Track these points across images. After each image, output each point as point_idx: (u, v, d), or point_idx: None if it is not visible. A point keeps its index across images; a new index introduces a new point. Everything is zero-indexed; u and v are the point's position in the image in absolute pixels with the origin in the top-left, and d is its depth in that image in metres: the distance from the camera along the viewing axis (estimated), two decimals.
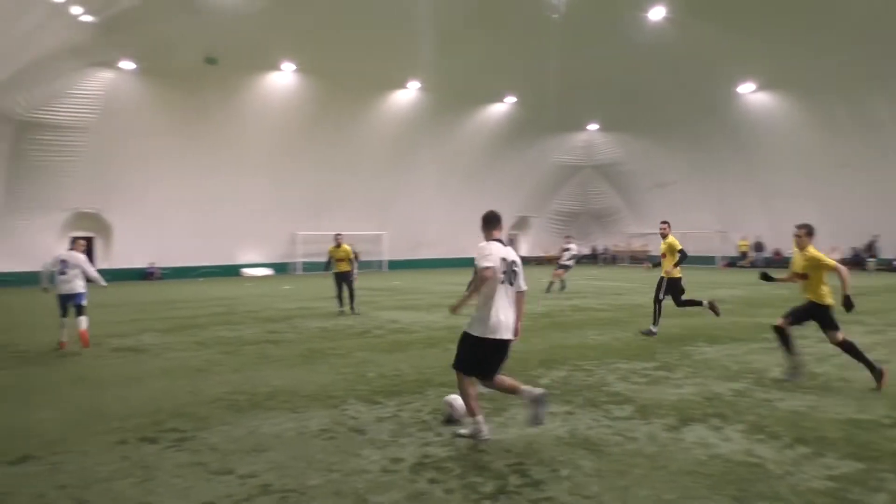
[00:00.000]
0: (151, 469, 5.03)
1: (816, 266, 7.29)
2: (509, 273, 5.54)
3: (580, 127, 40.86)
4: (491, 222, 5.71)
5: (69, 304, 10.62)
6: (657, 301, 10.92)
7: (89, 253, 31.41)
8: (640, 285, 22.64)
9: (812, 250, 7.41)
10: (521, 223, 45.12)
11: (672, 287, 10.89)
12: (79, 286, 10.68)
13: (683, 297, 11.04)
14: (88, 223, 30.43)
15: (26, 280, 26.77)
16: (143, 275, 31.71)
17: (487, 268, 5.40)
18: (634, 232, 43.24)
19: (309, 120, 32.70)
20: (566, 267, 20.45)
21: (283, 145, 32.93)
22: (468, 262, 41.55)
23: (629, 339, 10.55)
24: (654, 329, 10.87)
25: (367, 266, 38.31)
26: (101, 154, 28.37)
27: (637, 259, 42.43)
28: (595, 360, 8.81)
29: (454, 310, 5.65)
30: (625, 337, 10.81)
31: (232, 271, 34.10)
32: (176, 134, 29.98)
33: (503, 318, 5.47)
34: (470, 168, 39.78)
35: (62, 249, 11.47)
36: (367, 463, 5.12)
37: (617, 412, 6.37)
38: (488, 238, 5.65)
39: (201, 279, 31.92)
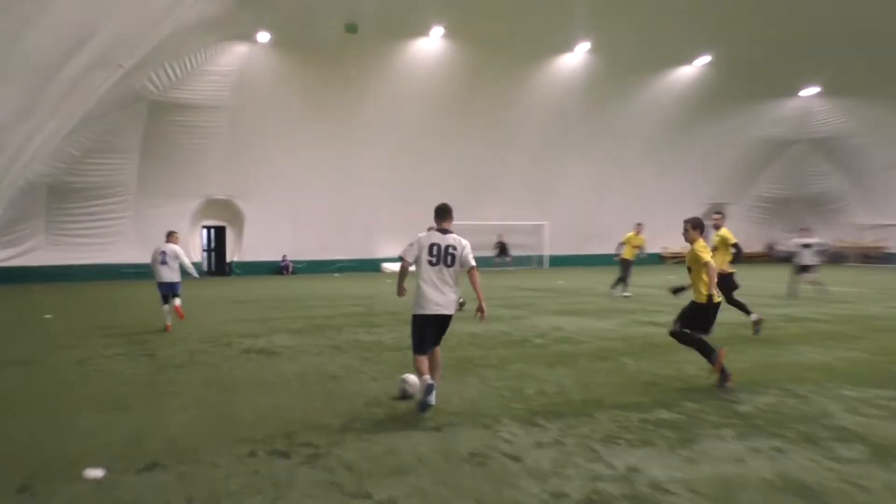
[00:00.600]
0: (283, 486, 5.27)
1: (695, 261, 8.25)
2: (441, 256, 7.37)
3: (792, 92, 38.46)
4: (438, 214, 7.65)
5: (168, 292, 13.67)
6: (731, 302, 12.30)
7: (221, 244, 34.03)
8: (871, 290, 20.92)
9: (698, 245, 8.28)
10: (713, 213, 43.07)
11: (724, 284, 11.66)
12: (176, 276, 13.66)
13: (735, 296, 12.41)
14: (220, 211, 32.87)
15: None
16: (276, 269, 33.74)
17: (402, 259, 7.41)
18: (866, 223, 40.00)
19: (458, 93, 33.21)
20: (807, 267, 19.29)
21: (429, 123, 33.72)
22: (649, 259, 40.60)
23: (859, 359, 9.74)
24: (753, 317, 12.29)
25: (526, 262, 38.40)
26: (234, 135, 30.51)
27: (870, 258, 39.22)
28: (812, 385, 8.22)
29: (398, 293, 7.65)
30: (853, 356, 10.00)
31: (370, 266, 35.43)
32: (312, 112, 31.59)
33: (431, 295, 7.31)
34: (648, 146, 38.77)
35: (161, 242, 13.89)
36: (525, 496, 5.06)
37: (843, 452, 5.88)
38: (437, 228, 7.57)
39: (337, 274, 33.47)
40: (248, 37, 28.56)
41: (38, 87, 8.36)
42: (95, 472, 5.49)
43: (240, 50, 28.91)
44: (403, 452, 5.95)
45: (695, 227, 8.34)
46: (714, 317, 8.20)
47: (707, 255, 8.16)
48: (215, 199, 32.11)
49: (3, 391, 8.35)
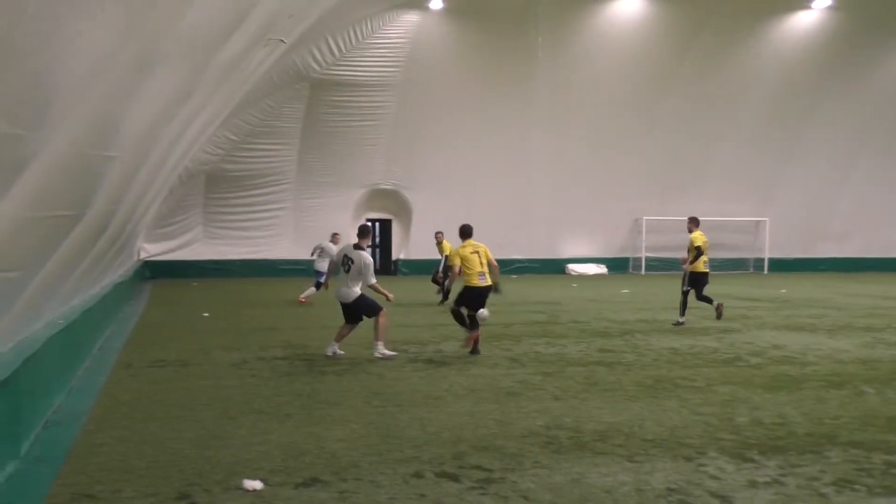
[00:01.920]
0: None
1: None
2: (345, 264, 11.80)
3: None
4: (359, 234, 12.22)
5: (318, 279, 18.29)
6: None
7: (387, 239, 35.25)
8: None
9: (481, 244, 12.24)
10: None
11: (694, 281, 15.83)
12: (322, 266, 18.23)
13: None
14: (384, 202, 34.05)
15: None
16: (445, 268, 34.46)
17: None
18: None
19: (659, 67, 32.65)
20: None
21: (624, 104, 33.34)
22: (890, 264, 38.13)
23: None
24: (681, 320, 15.80)
25: (739, 266, 37.15)
26: (403, 117, 31.48)
27: None
28: None
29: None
30: None
31: (554, 267, 35.48)
32: (491, 92, 32.02)
33: (341, 290, 11.81)
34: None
35: (325, 241, 14.64)
36: None
37: None
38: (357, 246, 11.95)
39: (515, 276, 33.75)
40: (419, 3, 29.35)
41: (197, 68, 9.07)
42: (254, 484, 5.91)
43: (411, 19, 29.79)
44: (589, 483, 5.98)
45: (460, 234, 12.09)
46: None
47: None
48: (381, 188, 33.29)
49: (162, 393, 9.15)
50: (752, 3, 31.26)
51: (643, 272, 36.03)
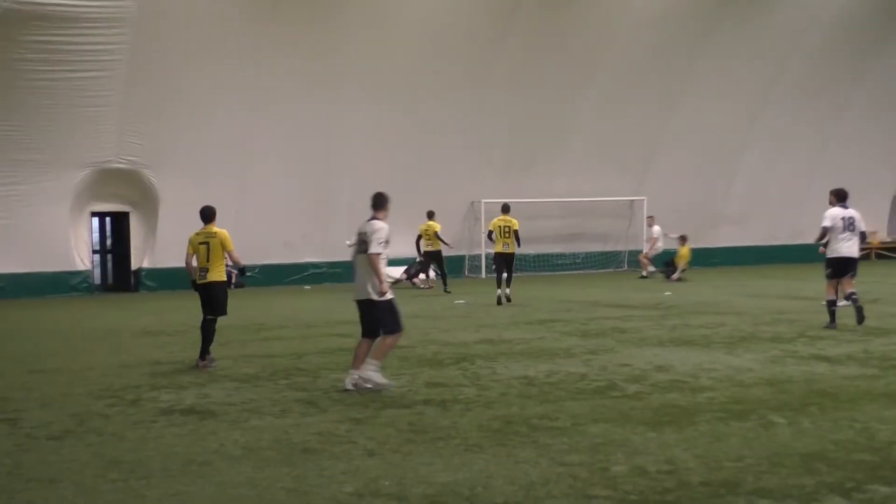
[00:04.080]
0: None
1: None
2: (360, 245, 12.96)
3: None
4: (373, 204, 13.45)
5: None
6: None
7: (122, 241, 34.30)
8: None
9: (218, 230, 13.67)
10: None
11: None
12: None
13: None
14: (118, 188, 33.03)
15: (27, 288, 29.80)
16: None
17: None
18: None
19: (492, 13, 33.31)
20: None
21: (453, 53, 33.80)
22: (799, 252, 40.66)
23: None
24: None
25: (610, 261, 38.37)
26: (142, 68, 30.53)
27: None
28: None
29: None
30: None
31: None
32: (271, 29, 31.61)
33: (356, 283, 13.02)
34: (812, 72, 38.69)
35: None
36: None
37: None
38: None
39: (308, 287, 33.59)
40: None
41: None
42: None
43: None
44: None
45: None
46: None
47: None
48: (112, 168, 32.29)
49: None
50: None
51: (483, 275, 36.63)
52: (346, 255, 35.35)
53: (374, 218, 13.06)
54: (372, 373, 12.18)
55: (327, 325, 20.46)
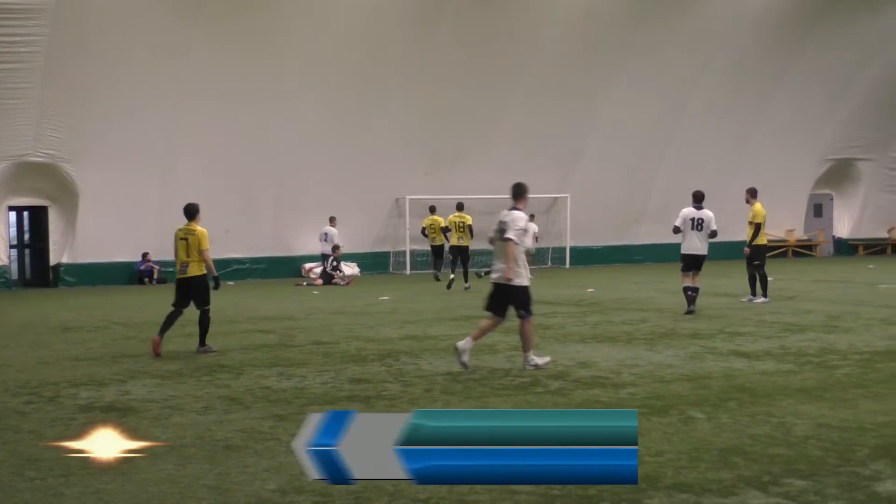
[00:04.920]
0: None
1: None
2: (498, 233, 13.51)
3: None
4: (513, 194, 14.07)
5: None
6: None
7: (40, 235, 33.84)
8: None
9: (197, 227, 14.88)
10: (835, 174, 44.18)
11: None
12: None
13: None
14: (37, 182, 32.53)
15: None
16: (133, 275, 33.58)
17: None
18: None
19: (420, 8, 33.50)
20: None
21: (382, 43, 33.80)
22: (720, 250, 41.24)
23: None
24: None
25: (536, 259, 38.55)
26: (62, 55, 30.04)
27: None
28: None
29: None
30: None
31: (287, 269, 35.37)
32: (194, 20, 31.34)
33: (493, 265, 13.77)
34: (733, 72, 39.19)
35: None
36: None
37: None
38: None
39: (232, 282, 33.40)
40: None
41: None
42: None
43: None
44: None
45: None
46: None
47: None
48: (30, 162, 31.85)
49: None
50: None
51: (408, 271, 36.65)
52: (268, 250, 35.41)
53: (514, 208, 13.64)
54: (531, 359, 13.20)
55: (250, 321, 20.35)
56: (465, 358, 13.04)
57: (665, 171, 40.12)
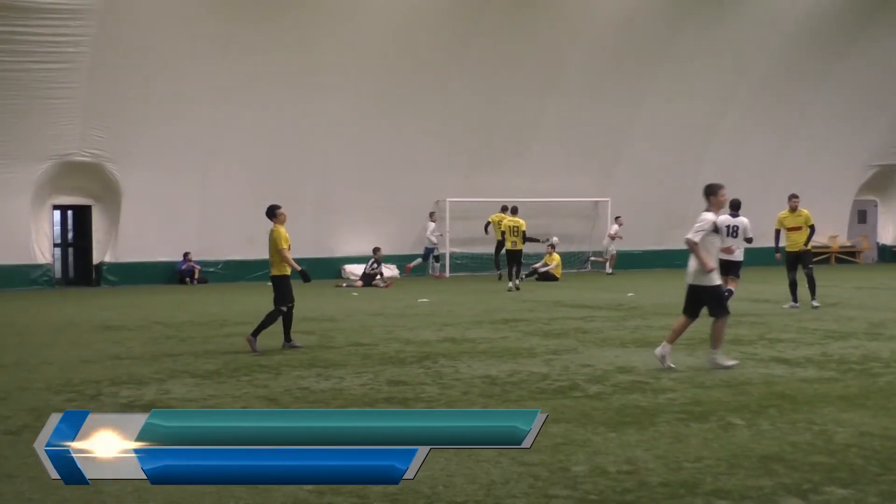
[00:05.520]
0: None
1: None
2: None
3: None
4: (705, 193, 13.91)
5: None
6: None
7: (84, 235, 34.07)
8: None
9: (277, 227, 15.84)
10: (880, 181, 44.01)
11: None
12: None
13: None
14: (81, 181, 32.79)
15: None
16: (175, 275, 33.78)
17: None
18: None
19: (459, 12, 33.49)
20: None
21: (418, 58, 33.98)
22: (765, 255, 41.01)
23: None
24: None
25: (573, 261, 38.42)
26: (107, 56, 30.31)
27: None
28: None
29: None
30: None
31: (326, 270, 35.44)
32: (237, 25, 31.48)
33: (687, 267, 13.79)
34: (772, 77, 38.92)
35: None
36: None
37: None
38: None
39: (270, 283, 33.45)
40: None
41: None
42: None
43: None
44: None
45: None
46: None
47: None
48: (75, 161, 32.07)
49: None
50: None
51: (447, 273, 36.64)
52: (308, 251, 35.41)
53: (707, 209, 13.74)
54: (718, 359, 13.44)
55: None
56: (669, 361, 13.37)
57: (703, 176, 39.85)
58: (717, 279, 13.60)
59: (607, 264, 37.23)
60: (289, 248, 16.28)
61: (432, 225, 35.74)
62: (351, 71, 33.38)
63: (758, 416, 10.14)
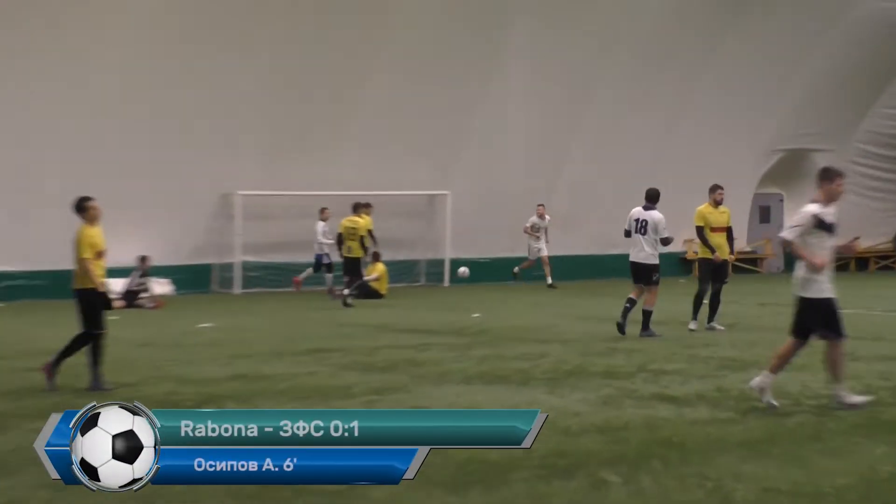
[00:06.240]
0: None
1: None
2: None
3: None
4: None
5: None
6: None
7: None
8: None
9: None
10: (787, 167, 45.15)
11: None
12: None
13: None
14: None
15: None
16: None
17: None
18: None
19: None
20: None
21: (198, 24, 33.87)
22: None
23: None
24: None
25: (405, 274, 38.51)
26: None
27: None
28: None
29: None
30: None
31: (57, 288, 34.81)
32: None
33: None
34: (648, 49, 40.01)
35: None
36: None
37: None
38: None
39: (3, 304, 32.71)
40: None
41: None
42: None
43: None
44: None
45: None
46: None
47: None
48: None
49: None
50: None
51: (238, 289, 36.35)
52: (52, 261, 34.78)
53: (812, 200, 13.49)
54: (843, 396, 13.31)
55: (19, 357, 19.99)
56: (769, 396, 13.35)
57: (569, 169, 40.31)
58: (826, 287, 13.28)
59: (546, 273, 37.41)
60: (99, 257, 16.24)
61: (322, 225, 35.30)
62: (116, 26, 32.95)
63: (637, 470, 10.18)
